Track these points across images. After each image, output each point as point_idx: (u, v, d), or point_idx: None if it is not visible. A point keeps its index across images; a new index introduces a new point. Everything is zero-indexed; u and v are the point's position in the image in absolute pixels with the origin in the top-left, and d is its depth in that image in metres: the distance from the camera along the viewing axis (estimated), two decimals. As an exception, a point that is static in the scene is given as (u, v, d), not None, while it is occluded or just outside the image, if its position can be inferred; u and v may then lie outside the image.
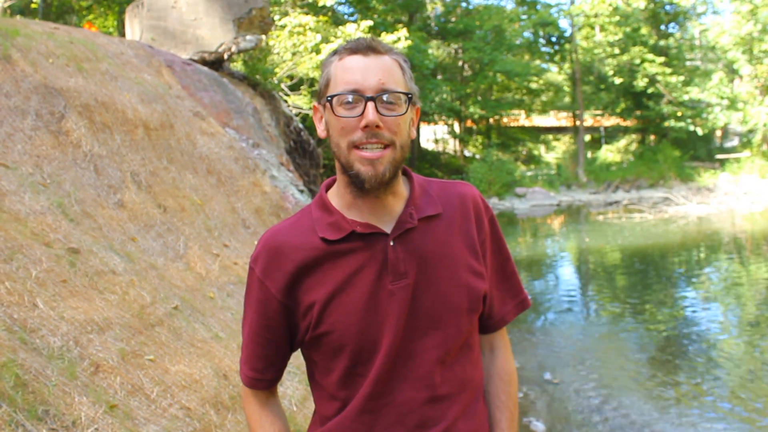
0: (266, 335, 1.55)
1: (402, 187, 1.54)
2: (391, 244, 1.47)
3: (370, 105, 1.39)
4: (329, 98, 1.43)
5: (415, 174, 1.59)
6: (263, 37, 12.42)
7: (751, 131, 28.91)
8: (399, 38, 18.98)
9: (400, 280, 1.47)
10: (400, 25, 23.41)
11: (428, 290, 1.49)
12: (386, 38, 19.05)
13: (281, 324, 1.53)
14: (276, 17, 17.34)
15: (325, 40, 16.61)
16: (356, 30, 16.69)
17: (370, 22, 18.61)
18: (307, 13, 18.65)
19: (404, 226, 1.49)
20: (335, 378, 1.50)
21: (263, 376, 1.60)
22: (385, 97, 1.41)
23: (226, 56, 11.64)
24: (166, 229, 5.76)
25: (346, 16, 28.01)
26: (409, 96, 1.45)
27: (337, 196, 1.53)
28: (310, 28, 16.49)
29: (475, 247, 1.57)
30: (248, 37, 11.61)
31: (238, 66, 14.04)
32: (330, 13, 23.42)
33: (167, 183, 6.43)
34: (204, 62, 11.31)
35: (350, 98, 1.40)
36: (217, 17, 11.39)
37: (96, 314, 3.70)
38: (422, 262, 1.49)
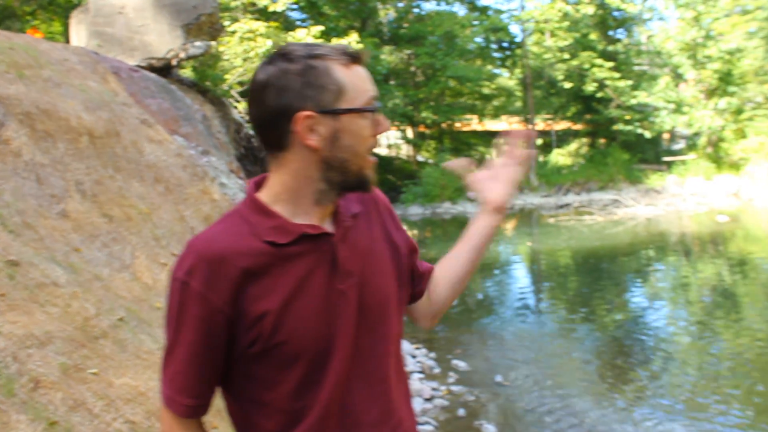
0: (210, 355, 1.43)
1: None
2: (337, 243, 1.48)
3: (382, 114, 1.48)
4: (358, 109, 1.43)
5: None
6: (213, 43, 12.31)
7: (696, 134, 29.55)
8: (349, 43, 18.97)
9: (349, 279, 1.47)
10: (353, 31, 23.38)
11: (370, 285, 1.51)
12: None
13: (224, 340, 1.42)
14: (226, 23, 17.20)
15: (276, 45, 16.53)
16: (307, 35, 16.66)
17: (322, 28, 18.59)
18: (257, 19, 18.53)
19: (344, 224, 1.51)
20: (287, 390, 1.44)
21: (204, 401, 1.49)
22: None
23: (174, 62, 11.51)
24: (112, 239, 5.65)
25: (297, 22, 27.90)
26: None
27: (279, 200, 1.48)
28: (260, 34, 16.40)
29: (391, 237, 1.65)
30: (197, 43, 11.49)
31: (187, 72, 13.89)
32: (281, 19, 23.32)
33: (113, 192, 6.32)
34: (152, 69, 11.15)
35: (373, 108, 1.45)
36: (165, 23, 11.25)
37: (36, 328, 3.61)
38: (363, 259, 1.52)
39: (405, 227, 1.76)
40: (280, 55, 1.44)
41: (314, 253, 1.45)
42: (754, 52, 27.69)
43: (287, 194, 1.48)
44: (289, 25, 24.10)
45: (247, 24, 16.67)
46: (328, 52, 1.43)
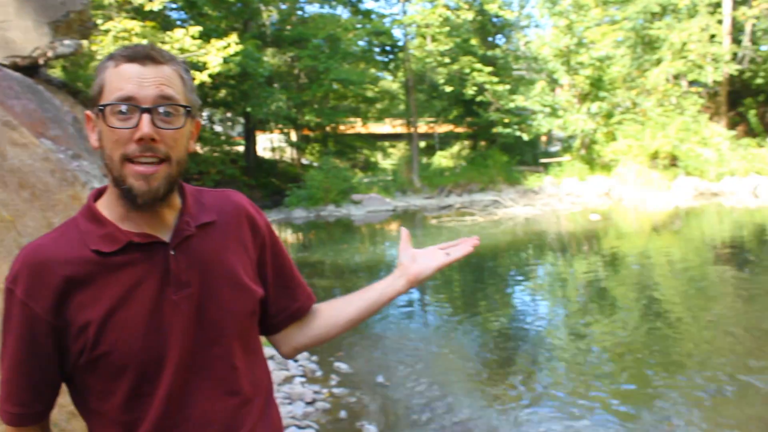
0: (33, 363, 1.39)
1: (176, 199, 1.49)
2: (172, 253, 1.42)
3: (146, 117, 1.32)
4: (102, 107, 1.34)
5: (187, 184, 1.54)
6: (84, 42, 11.79)
7: (570, 137, 30.87)
8: (229, 44, 18.66)
9: (184, 290, 1.42)
10: (234, 32, 22.97)
11: (212, 298, 1.46)
12: (216, 44, 18.66)
13: (51, 348, 1.38)
14: (99, 21, 16.57)
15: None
16: (185, 35, 16.25)
17: (200, 28, 18.17)
18: (133, 18, 17.95)
19: (182, 234, 1.44)
20: (117, 402, 1.40)
21: (31, 410, 1.44)
22: (162, 110, 1.34)
23: (41, 61, 10.92)
24: (-31, 249, 5.31)
25: (178, 22, 27.17)
26: (188, 109, 1.40)
27: (108, 207, 1.44)
28: (135, 34, 15.92)
29: (251, 253, 1.57)
30: (66, 42, 10.95)
31: (56, 72, 13.28)
32: (159, 19, 22.66)
33: (-29, 198, 5.94)
34: (16, 68, 10.53)
35: (124, 108, 1.32)
36: (30, 20, 10.68)
37: None
38: (204, 270, 1.45)
39: (284, 238, 1.68)
40: None
41: (144, 263, 1.40)
42: (621, 60, 29.37)
43: (108, 199, 1.45)
44: (168, 25, 23.44)
45: (121, 23, 16.12)
46: (117, 52, 1.40)
